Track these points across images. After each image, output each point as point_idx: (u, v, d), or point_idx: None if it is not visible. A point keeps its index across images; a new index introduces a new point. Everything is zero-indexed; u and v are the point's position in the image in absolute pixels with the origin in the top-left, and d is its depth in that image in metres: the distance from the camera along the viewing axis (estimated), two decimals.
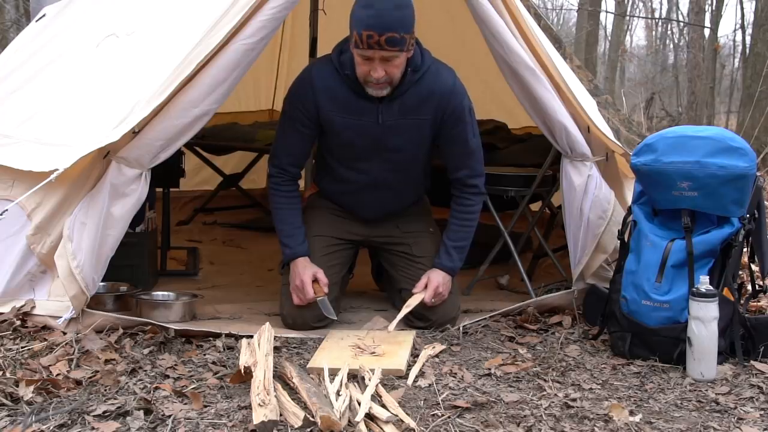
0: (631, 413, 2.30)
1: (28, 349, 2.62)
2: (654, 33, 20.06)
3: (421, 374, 2.58)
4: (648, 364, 2.73)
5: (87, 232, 2.80)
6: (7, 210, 2.68)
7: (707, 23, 13.63)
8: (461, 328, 3.06)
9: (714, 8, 14.30)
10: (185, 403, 2.29)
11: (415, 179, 3.25)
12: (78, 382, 2.41)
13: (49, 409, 2.20)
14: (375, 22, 2.74)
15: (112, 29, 3.39)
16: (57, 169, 2.68)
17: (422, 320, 3.10)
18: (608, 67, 17.41)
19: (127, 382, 2.43)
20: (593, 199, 3.21)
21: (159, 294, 3.30)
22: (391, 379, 2.53)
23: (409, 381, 2.52)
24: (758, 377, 2.62)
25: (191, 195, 5.61)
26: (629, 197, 3.21)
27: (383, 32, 2.74)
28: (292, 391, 2.36)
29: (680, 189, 2.73)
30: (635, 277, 2.80)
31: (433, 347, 2.82)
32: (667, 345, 2.71)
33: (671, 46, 18.63)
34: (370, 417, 2.15)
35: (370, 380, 2.39)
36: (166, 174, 3.56)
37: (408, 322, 3.10)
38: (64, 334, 2.74)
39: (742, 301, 2.92)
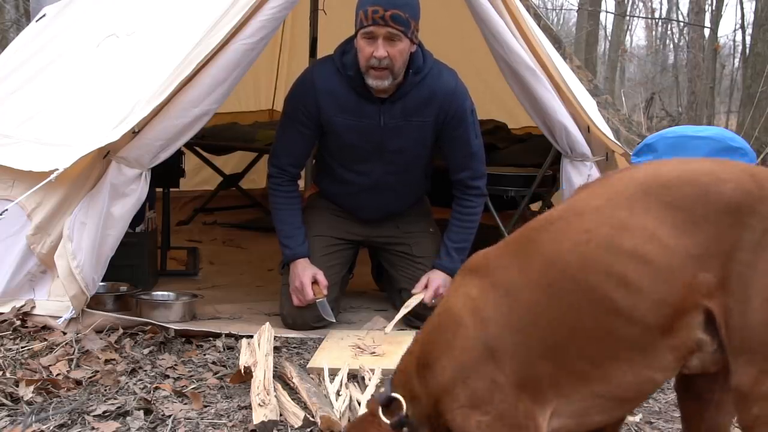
0: (631, 413, 2.30)
1: (28, 349, 2.62)
2: (654, 33, 20.06)
3: None
4: None
5: (87, 232, 2.80)
6: (7, 210, 2.68)
7: (707, 23, 13.63)
8: None
9: (714, 8, 14.30)
10: (185, 403, 2.29)
11: (416, 181, 3.25)
12: (78, 382, 2.41)
13: (49, 409, 2.20)
14: None
15: (112, 29, 3.39)
16: (57, 169, 2.68)
17: (423, 320, 3.08)
18: (608, 67, 17.40)
19: (127, 382, 2.43)
20: None
21: (159, 294, 3.29)
22: None
23: None
24: None
25: (191, 195, 5.60)
26: None
27: (389, 8, 2.76)
28: (292, 391, 2.36)
29: None
30: None
31: None
32: None
33: (671, 46, 18.64)
34: None
35: (370, 380, 2.39)
36: (166, 174, 3.56)
37: (408, 323, 3.09)
38: (64, 334, 2.74)
39: None
